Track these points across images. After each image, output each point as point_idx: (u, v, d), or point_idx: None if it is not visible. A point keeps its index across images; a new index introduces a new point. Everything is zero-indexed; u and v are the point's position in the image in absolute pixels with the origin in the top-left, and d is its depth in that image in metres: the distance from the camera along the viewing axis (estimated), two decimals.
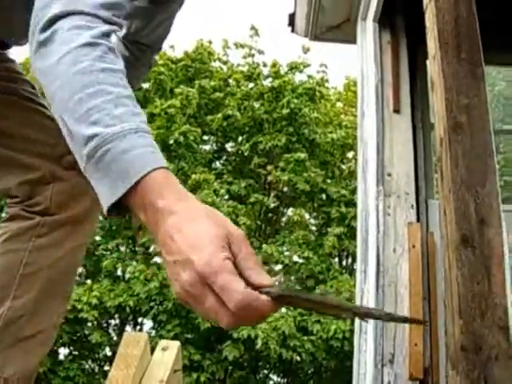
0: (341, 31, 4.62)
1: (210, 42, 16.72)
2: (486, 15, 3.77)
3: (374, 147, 3.40)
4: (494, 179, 2.00)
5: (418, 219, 3.34)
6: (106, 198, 0.95)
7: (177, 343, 1.91)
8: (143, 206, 0.93)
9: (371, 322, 3.05)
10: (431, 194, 3.51)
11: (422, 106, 3.79)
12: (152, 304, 12.27)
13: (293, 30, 4.82)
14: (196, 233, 0.87)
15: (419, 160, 3.54)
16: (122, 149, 0.94)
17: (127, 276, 12.55)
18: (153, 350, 1.75)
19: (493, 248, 1.91)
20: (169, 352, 1.84)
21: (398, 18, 4.11)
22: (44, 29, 1.07)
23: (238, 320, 0.86)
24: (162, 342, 1.88)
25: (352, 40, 4.45)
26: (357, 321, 3.30)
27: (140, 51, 1.86)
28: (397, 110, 3.56)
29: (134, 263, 12.77)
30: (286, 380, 14.66)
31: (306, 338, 11.84)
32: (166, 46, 16.27)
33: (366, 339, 3.19)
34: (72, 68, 1.01)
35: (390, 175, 3.35)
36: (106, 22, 1.12)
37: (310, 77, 15.96)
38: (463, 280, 1.86)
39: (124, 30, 1.80)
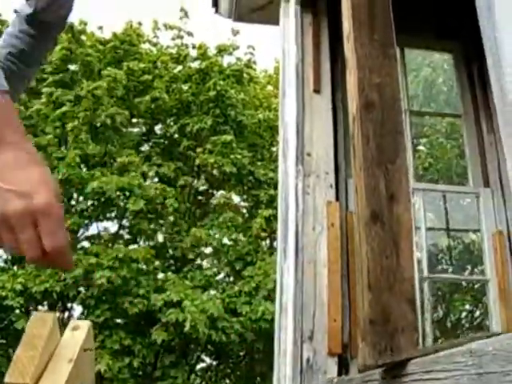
0: (265, 13, 4.63)
1: (140, 24, 16.46)
2: (409, 2, 3.85)
3: (294, 127, 3.43)
4: (403, 156, 2.06)
5: (338, 198, 3.40)
6: None
7: (88, 323, 1.88)
8: None
9: (290, 298, 3.10)
10: (351, 174, 3.57)
11: (343, 86, 3.83)
12: (80, 289, 12.10)
13: (217, 11, 4.81)
14: (37, 172, 0.95)
15: (339, 140, 3.60)
16: None
17: None
18: None
19: (402, 223, 1.96)
20: (79, 332, 1.80)
21: (320, 1, 4.16)
22: None
23: (46, 261, 0.96)
24: (73, 322, 1.85)
25: (276, 22, 4.47)
26: (277, 298, 3.34)
27: (46, 29, 1.82)
28: (317, 90, 3.60)
29: None
30: (217, 362, 14.73)
31: (234, 319, 11.93)
32: (94, 27, 15.95)
33: (286, 316, 3.24)
34: None
35: (309, 155, 3.40)
36: None
37: (238, 59, 15.96)
38: (373, 255, 1.91)
39: (30, 9, 1.77)
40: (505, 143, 0.99)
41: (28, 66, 1.78)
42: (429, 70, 13.97)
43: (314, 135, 3.48)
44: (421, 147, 13.96)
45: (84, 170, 13.20)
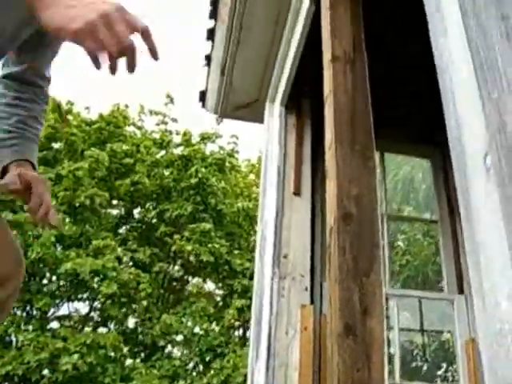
0: (250, 110, 4.74)
1: (127, 106, 16.73)
2: (389, 110, 3.98)
3: (273, 228, 3.46)
4: (378, 269, 2.08)
5: (312, 301, 3.39)
6: None
7: None
8: None
9: None
10: (326, 277, 3.58)
11: (323, 188, 3.89)
12: (44, 373, 11.72)
13: (203, 106, 4.92)
14: None
15: (316, 242, 3.63)
16: None
17: (20, 342, 11.98)
18: None
19: (374, 336, 1.97)
20: None
21: (305, 102, 4.28)
22: None
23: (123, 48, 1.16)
24: None
25: (261, 120, 4.58)
26: None
27: (38, 85, 1.90)
28: (297, 193, 3.65)
29: (30, 327, 12.25)
30: None
31: None
32: (81, 107, 16.18)
33: None
34: None
35: (286, 257, 3.41)
36: None
37: (220, 148, 16.21)
38: (344, 367, 1.90)
39: (20, 67, 1.84)
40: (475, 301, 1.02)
41: (36, 124, 1.86)
42: (408, 168, 14.30)
43: (292, 236, 3.51)
44: (399, 243, 14.10)
45: (59, 249, 13.07)
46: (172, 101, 16.59)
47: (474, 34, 1.05)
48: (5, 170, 1.78)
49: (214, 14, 4.03)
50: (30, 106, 1.88)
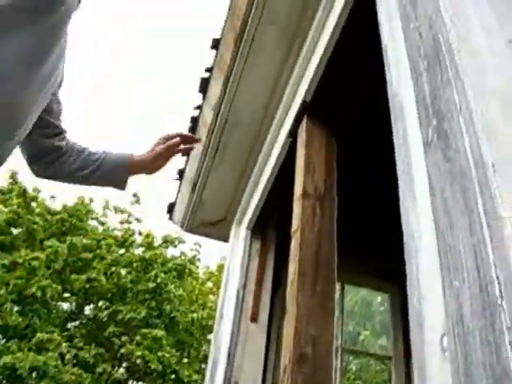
0: (216, 228, 4.78)
1: (91, 200, 16.68)
2: (352, 244, 4.06)
3: (226, 354, 3.42)
4: None
5: None
6: None
7: None
8: None
9: None
10: None
11: (281, 316, 3.89)
12: None
13: (170, 218, 4.95)
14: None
15: (268, 371, 3.59)
16: None
17: None
18: None
19: None
20: None
21: (271, 229, 4.33)
22: None
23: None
24: None
25: (225, 238, 4.60)
26: None
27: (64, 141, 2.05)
28: (254, 319, 3.64)
29: None
30: None
31: None
32: (47, 194, 16.10)
33: None
34: None
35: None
36: None
37: (182, 253, 16.13)
38: None
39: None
40: None
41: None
42: (365, 291, 14.42)
43: (245, 364, 3.47)
44: (352, 366, 14.01)
45: (1, 339, 12.62)
46: (138, 201, 16.62)
47: (441, 222, 1.11)
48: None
49: (192, 132, 4.14)
50: (76, 145, 2.05)
